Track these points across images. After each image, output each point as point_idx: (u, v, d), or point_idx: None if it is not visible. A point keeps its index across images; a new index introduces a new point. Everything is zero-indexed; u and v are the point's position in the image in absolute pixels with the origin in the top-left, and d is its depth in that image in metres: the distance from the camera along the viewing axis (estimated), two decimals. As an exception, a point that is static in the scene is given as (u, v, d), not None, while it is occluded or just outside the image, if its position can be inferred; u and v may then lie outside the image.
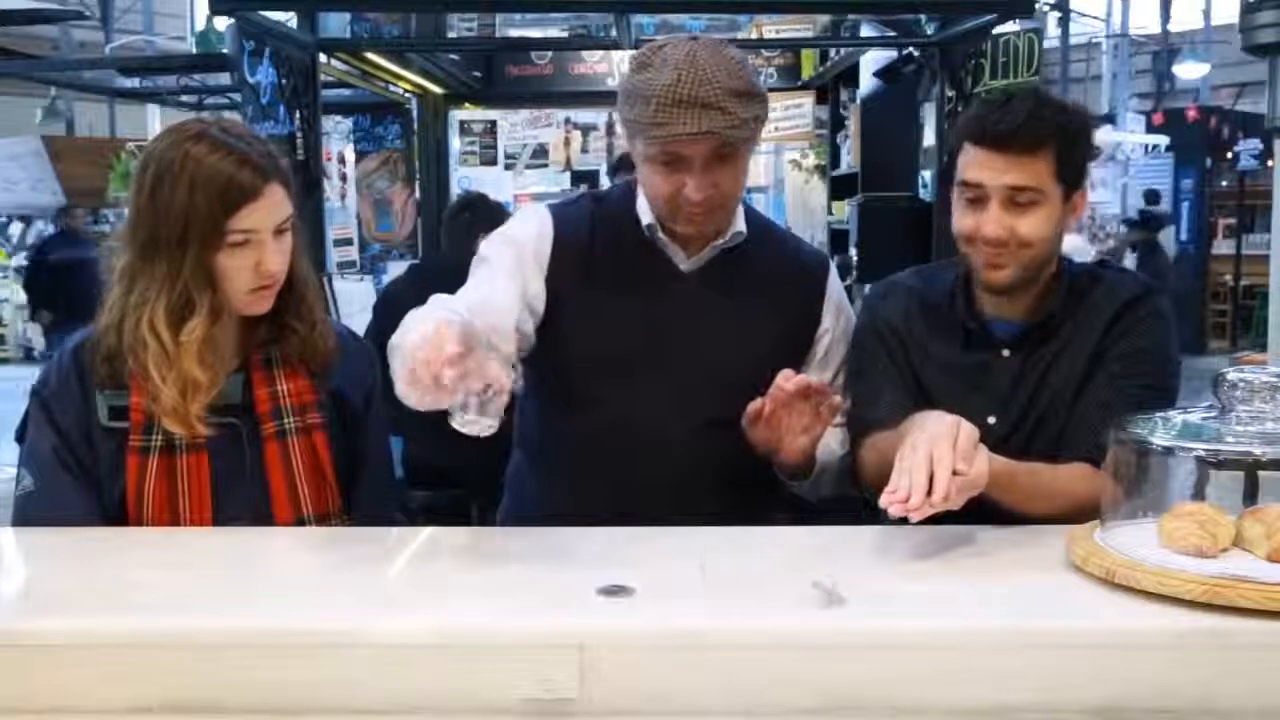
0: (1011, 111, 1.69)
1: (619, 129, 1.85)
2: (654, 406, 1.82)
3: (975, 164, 1.72)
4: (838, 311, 1.97)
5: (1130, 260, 10.59)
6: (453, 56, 6.97)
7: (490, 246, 1.91)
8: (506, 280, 1.84)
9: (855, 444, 1.84)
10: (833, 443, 1.86)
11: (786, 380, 1.68)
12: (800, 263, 1.99)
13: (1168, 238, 12.23)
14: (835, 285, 1.99)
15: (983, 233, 1.72)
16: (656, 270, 1.87)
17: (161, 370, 1.56)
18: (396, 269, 5.76)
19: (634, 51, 1.80)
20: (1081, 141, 1.74)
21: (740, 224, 1.88)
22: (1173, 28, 15.80)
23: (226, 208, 1.53)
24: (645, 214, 1.86)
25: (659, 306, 1.85)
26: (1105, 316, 1.78)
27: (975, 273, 1.78)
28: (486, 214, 3.86)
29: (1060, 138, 1.70)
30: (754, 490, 1.85)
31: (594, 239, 1.89)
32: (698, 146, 1.71)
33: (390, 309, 4.03)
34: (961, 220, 1.75)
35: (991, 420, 1.78)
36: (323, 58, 4.81)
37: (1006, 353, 1.81)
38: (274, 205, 1.58)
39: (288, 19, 4.69)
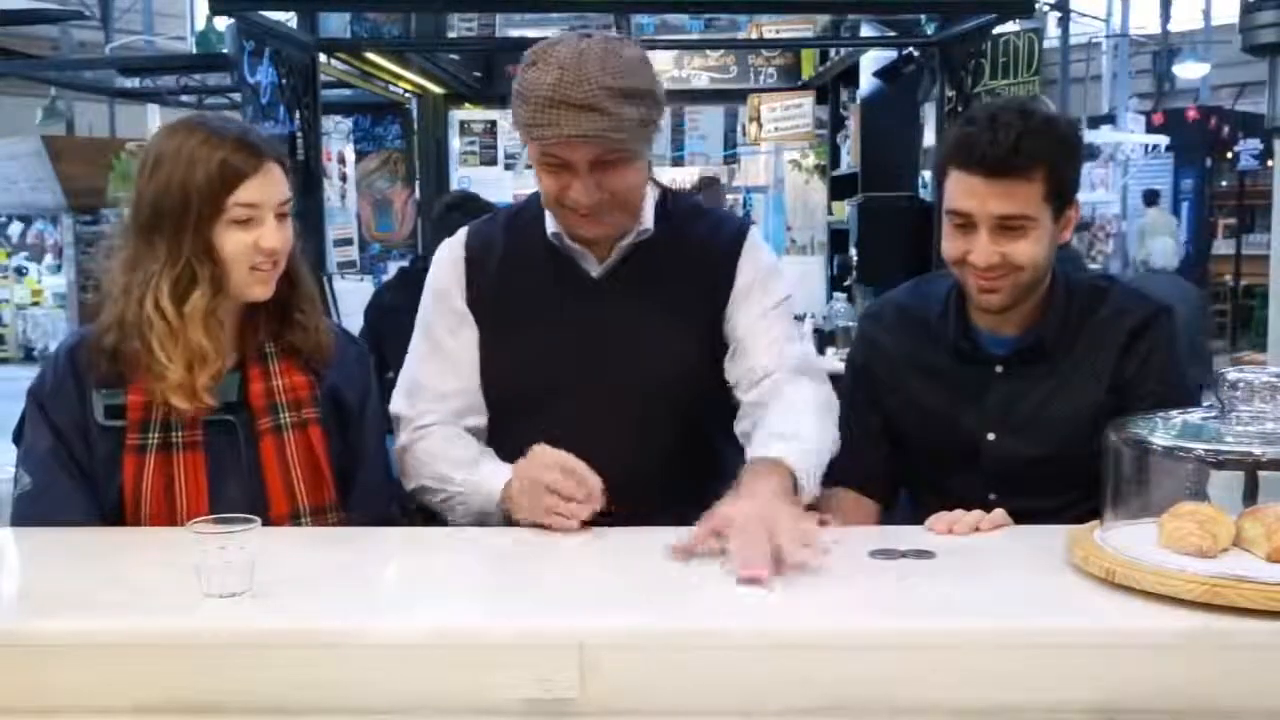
0: (998, 135, 1.61)
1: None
2: (580, 425, 1.70)
3: (962, 191, 1.66)
4: (755, 262, 1.83)
5: None
6: (453, 56, 6.97)
7: (425, 310, 1.87)
8: (454, 347, 1.81)
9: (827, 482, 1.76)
10: (809, 443, 1.65)
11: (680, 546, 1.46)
12: (718, 237, 1.85)
13: (1165, 245, 12.05)
14: (754, 241, 1.86)
15: (972, 260, 1.67)
16: (567, 280, 1.79)
17: (168, 347, 1.57)
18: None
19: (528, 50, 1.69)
20: (1072, 159, 1.69)
21: (647, 221, 1.78)
22: (1173, 28, 15.78)
23: (225, 184, 1.57)
24: (551, 222, 1.78)
25: (571, 319, 1.78)
26: (1118, 341, 1.74)
27: (969, 294, 1.74)
28: (476, 214, 3.81)
29: (1050, 161, 1.64)
30: (699, 480, 1.70)
31: (505, 256, 1.83)
32: (579, 150, 1.62)
33: (381, 313, 4.02)
34: (951, 245, 1.70)
35: (991, 436, 1.77)
36: (323, 58, 4.82)
37: (999, 369, 1.78)
38: (273, 182, 1.62)
39: (288, 19, 4.69)
